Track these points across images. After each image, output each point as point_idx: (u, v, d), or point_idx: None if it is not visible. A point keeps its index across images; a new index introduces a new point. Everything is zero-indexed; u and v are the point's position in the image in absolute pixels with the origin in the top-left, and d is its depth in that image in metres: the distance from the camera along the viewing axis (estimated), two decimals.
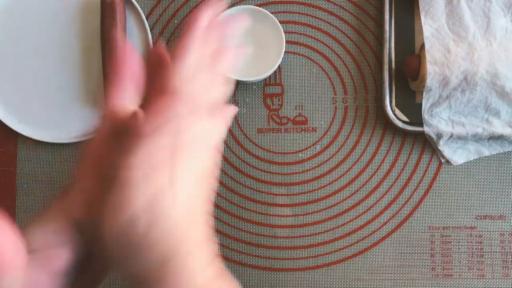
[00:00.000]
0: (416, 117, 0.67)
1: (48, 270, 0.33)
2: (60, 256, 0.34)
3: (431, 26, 0.66)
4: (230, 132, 0.69)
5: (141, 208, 0.30)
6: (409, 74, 0.66)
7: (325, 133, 0.69)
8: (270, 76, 0.69)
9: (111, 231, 0.31)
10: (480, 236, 0.68)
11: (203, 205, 0.34)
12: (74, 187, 0.35)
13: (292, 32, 0.70)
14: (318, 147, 0.69)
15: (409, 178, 0.68)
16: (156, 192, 0.31)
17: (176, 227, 0.31)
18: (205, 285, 0.33)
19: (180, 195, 0.31)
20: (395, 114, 0.67)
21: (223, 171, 0.69)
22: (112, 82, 0.36)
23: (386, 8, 0.68)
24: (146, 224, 0.30)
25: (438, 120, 0.67)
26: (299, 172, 0.68)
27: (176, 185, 0.31)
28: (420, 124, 0.67)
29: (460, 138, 0.67)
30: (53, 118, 0.68)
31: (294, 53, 0.69)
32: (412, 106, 0.68)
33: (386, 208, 0.68)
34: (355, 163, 0.69)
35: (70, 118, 0.68)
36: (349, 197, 0.68)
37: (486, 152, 0.68)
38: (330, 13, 0.70)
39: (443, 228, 0.68)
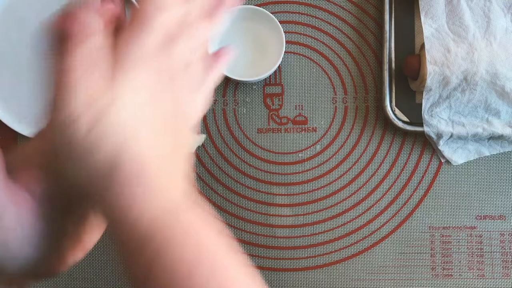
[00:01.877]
0: (416, 117, 0.67)
1: (29, 189, 0.32)
2: (39, 179, 0.33)
3: (431, 26, 0.66)
4: (230, 132, 0.69)
5: (79, 107, 0.29)
6: (409, 74, 0.66)
7: (325, 133, 0.69)
8: (270, 76, 0.69)
9: (53, 137, 0.30)
10: (480, 236, 0.68)
11: (175, 147, 0.32)
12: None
13: (292, 32, 0.70)
14: (318, 147, 0.69)
15: (409, 178, 0.68)
16: (95, 92, 0.29)
17: (120, 125, 0.29)
18: (177, 208, 0.31)
19: (123, 99, 0.29)
20: (395, 114, 0.67)
21: (223, 171, 0.69)
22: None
23: (386, 8, 0.68)
24: (86, 122, 0.29)
25: (438, 120, 0.67)
26: (299, 172, 0.68)
27: (117, 88, 0.30)
28: (420, 124, 0.67)
29: (460, 138, 0.67)
30: None
31: (294, 53, 0.69)
32: (412, 106, 0.68)
33: (386, 208, 0.68)
34: (355, 163, 0.69)
35: None
36: (349, 197, 0.68)
37: (486, 152, 0.68)
38: (330, 13, 0.70)
39: (443, 228, 0.68)
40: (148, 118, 0.30)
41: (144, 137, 0.30)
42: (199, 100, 0.34)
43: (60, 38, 0.32)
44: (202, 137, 0.68)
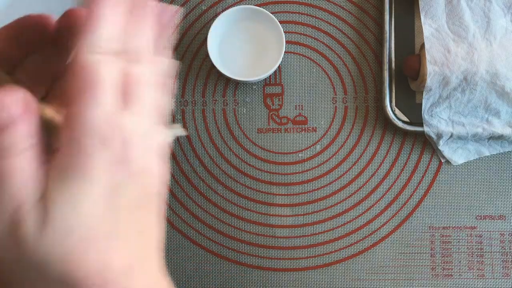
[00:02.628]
0: (416, 117, 0.67)
1: None
2: None
3: (431, 26, 0.66)
4: (230, 132, 0.69)
5: (22, 208, 0.23)
6: (409, 74, 0.66)
7: (325, 133, 0.69)
8: (270, 76, 0.69)
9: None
10: (480, 236, 0.68)
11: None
12: None
13: (292, 32, 0.70)
14: (318, 147, 0.69)
15: (409, 178, 0.68)
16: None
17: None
18: None
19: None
20: (395, 114, 0.67)
21: (223, 171, 0.69)
22: None
23: (386, 8, 0.68)
24: (32, 228, 0.23)
25: (438, 120, 0.67)
26: (299, 172, 0.68)
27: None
28: (420, 124, 0.67)
29: (460, 138, 0.67)
30: None
31: (294, 53, 0.69)
32: (412, 106, 0.68)
33: (386, 208, 0.68)
34: (355, 163, 0.69)
35: None
36: (349, 197, 0.68)
37: (486, 152, 0.68)
38: (330, 13, 0.70)
39: (443, 228, 0.68)
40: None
41: (104, 254, 0.24)
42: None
43: None
44: (177, 129, 0.62)
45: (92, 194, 0.23)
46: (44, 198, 0.23)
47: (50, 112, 0.26)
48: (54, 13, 0.70)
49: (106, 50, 0.24)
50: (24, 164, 0.23)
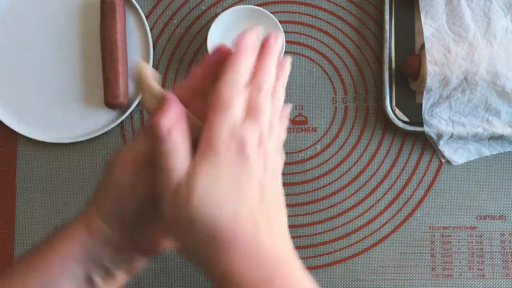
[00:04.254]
0: (416, 117, 0.67)
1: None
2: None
3: (431, 26, 0.66)
4: None
5: (174, 187, 0.36)
6: (409, 74, 0.66)
7: (325, 133, 0.69)
8: None
9: (161, 207, 0.36)
10: (481, 236, 0.68)
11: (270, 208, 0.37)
12: (107, 180, 0.41)
13: (292, 32, 0.69)
14: (318, 147, 0.69)
15: (409, 178, 0.68)
16: (185, 173, 0.36)
17: (209, 204, 0.35)
18: (275, 274, 0.35)
19: (204, 182, 0.35)
20: (395, 114, 0.67)
21: None
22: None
23: (386, 8, 0.68)
24: (184, 197, 0.35)
25: (439, 120, 0.67)
26: (299, 172, 0.68)
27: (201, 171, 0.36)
28: (421, 124, 0.67)
29: (460, 138, 0.67)
30: (53, 118, 0.68)
31: (294, 53, 0.69)
32: (412, 106, 0.68)
33: (386, 208, 0.68)
34: (355, 163, 0.69)
35: (70, 118, 0.68)
36: (349, 197, 0.68)
37: (487, 152, 0.68)
38: (330, 13, 0.70)
39: (444, 228, 0.68)
40: (229, 195, 0.36)
41: (232, 212, 0.35)
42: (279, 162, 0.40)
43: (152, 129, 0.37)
44: None
45: (220, 170, 0.35)
46: (192, 174, 0.35)
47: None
48: (54, 13, 0.70)
49: (239, 85, 0.37)
50: (179, 157, 0.36)
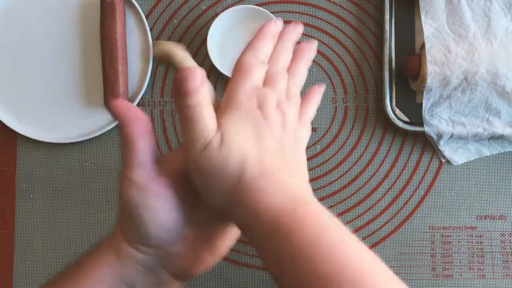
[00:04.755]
0: (416, 117, 0.67)
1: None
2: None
3: (432, 26, 0.66)
4: None
5: (207, 135, 0.38)
6: (410, 74, 0.66)
7: (325, 133, 0.69)
8: None
9: (192, 161, 0.38)
10: (481, 236, 0.68)
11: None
12: (122, 204, 0.41)
13: None
14: (318, 147, 0.69)
15: (410, 178, 0.68)
16: (214, 124, 0.39)
17: (235, 148, 0.38)
18: (297, 199, 0.38)
19: (230, 133, 0.39)
20: (395, 114, 0.67)
21: None
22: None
23: (386, 8, 0.68)
24: (216, 144, 0.38)
25: (439, 120, 0.66)
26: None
27: (227, 124, 0.39)
28: (421, 124, 0.67)
29: (460, 138, 0.67)
30: (53, 118, 0.68)
31: (294, 52, 0.69)
32: (412, 106, 0.68)
33: (386, 208, 0.68)
34: (355, 163, 0.69)
35: (70, 118, 0.68)
36: (349, 197, 0.68)
37: (487, 152, 0.68)
38: (330, 13, 0.70)
39: (444, 228, 0.68)
40: (252, 144, 0.39)
41: (255, 154, 0.38)
42: (301, 134, 0.44)
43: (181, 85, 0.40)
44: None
45: (243, 118, 0.39)
46: (220, 124, 0.39)
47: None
48: (54, 13, 0.70)
49: (261, 57, 0.43)
50: (208, 110, 0.39)
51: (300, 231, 0.35)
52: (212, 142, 0.38)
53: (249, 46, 0.44)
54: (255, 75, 0.42)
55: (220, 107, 0.41)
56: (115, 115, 0.40)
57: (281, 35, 0.46)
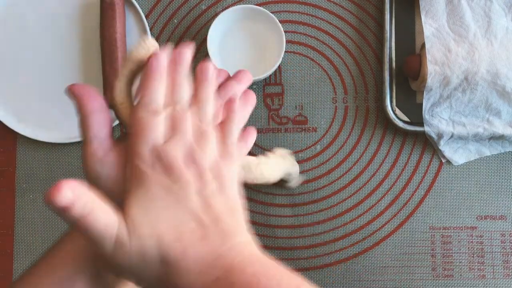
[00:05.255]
0: (416, 117, 0.67)
1: None
2: None
3: (432, 26, 0.66)
4: None
5: (113, 231, 0.35)
6: (410, 74, 0.66)
7: (325, 133, 0.69)
8: (270, 76, 0.69)
9: (109, 265, 0.36)
10: (481, 236, 0.68)
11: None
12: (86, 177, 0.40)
13: (292, 32, 0.69)
14: (318, 147, 0.69)
15: (410, 178, 0.68)
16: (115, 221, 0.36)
17: (148, 241, 0.35)
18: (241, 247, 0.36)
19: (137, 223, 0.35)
20: (395, 114, 0.67)
21: None
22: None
23: (386, 8, 0.68)
24: (125, 237, 0.35)
25: (439, 120, 0.66)
26: (299, 172, 0.68)
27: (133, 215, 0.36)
28: (421, 124, 0.67)
29: (460, 138, 0.67)
30: (52, 118, 0.68)
31: (294, 53, 0.69)
32: (412, 106, 0.68)
33: (386, 208, 0.68)
34: (355, 163, 0.68)
35: (70, 118, 0.68)
36: (349, 197, 0.68)
37: (487, 152, 0.68)
38: (331, 12, 0.70)
39: (444, 228, 0.68)
40: (167, 228, 0.35)
41: (174, 224, 0.35)
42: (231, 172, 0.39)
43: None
44: (299, 178, 0.66)
45: (152, 193, 0.36)
46: (124, 213, 0.35)
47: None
48: (54, 13, 0.70)
49: (153, 108, 0.38)
50: (98, 210, 0.34)
51: None
52: (119, 237, 0.34)
53: (140, 96, 0.39)
54: (153, 133, 0.37)
55: (126, 180, 0.37)
56: (69, 93, 0.40)
57: (170, 68, 0.40)
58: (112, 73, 0.65)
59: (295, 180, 0.65)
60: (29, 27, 0.69)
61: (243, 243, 0.37)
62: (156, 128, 0.37)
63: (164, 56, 0.40)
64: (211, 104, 0.40)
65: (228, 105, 0.41)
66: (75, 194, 0.33)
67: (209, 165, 0.37)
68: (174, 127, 0.38)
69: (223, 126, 0.40)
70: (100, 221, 0.34)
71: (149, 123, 0.37)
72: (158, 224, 0.35)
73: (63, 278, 0.40)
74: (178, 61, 0.40)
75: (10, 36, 0.69)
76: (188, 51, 0.41)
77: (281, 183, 0.64)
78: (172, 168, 0.36)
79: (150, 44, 0.40)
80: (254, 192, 0.68)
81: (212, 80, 0.41)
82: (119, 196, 0.37)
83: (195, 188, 0.36)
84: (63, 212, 0.32)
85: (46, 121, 0.68)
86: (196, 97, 0.40)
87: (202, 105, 0.40)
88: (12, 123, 0.68)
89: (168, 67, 0.40)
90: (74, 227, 0.34)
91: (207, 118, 0.39)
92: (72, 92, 0.40)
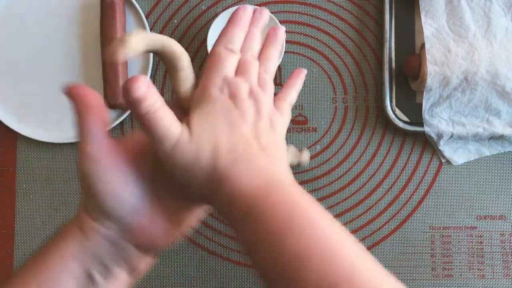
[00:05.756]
0: (416, 117, 0.67)
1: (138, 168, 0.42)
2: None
3: (431, 26, 0.66)
4: None
5: (175, 134, 0.39)
6: (410, 74, 0.66)
7: (325, 133, 0.69)
8: None
9: (164, 161, 0.39)
10: (481, 236, 0.68)
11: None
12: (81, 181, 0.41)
13: (292, 32, 0.69)
14: (318, 147, 0.69)
15: (410, 178, 0.68)
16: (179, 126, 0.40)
17: (203, 142, 0.39)
18: (271, 184, 0.38)
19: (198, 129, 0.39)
20: (395, 114, 0.67)
21: None
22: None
23: (386, 8, 0.68)
24: (185, 140, 0.38)
25: (439, 120, 0.66)
26: (299, 172, 0.68)
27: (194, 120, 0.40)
28: (421, 124, 0.67)
29: (460, 138, 0.67)
30: (53, 118, 0.68)
31: (294, 53, 0.69)
32: (412, 106, 0.68)
33: (386, 208, 0.68)
34: (355, 163, 0.69)
35: (70, 118, 0.68)
36: (349, 197, 0.68)
37: (487, 152, 0.68)
38: (330, 12, 0.70)
39: (444, 228, 0.68)
40: (220, 136, 0.39)
41: (228, 141, 0.39)
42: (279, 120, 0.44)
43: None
44: (306, 154, 0.68)
45: (215, 109, 0.40)
46: (190, 117, 0.40)
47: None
48: (54, 13, 0.70)
49: (231, 47, 0.44)
50: (164, 112, 0.38)
51: (273, 212, 0.36)
52: (180, 139, 0.38)
53: (220, 36, 0.44)
54: (227, 66, 0.42)
55: (193, 98, 0.41)
56: (66, 92, 0.41)
57: (250, 22, 0.47)
58: (112, 73, 0.65)
59: (304, 162, 0.67)
60: (29, 27, 0.69)
61: (285, 172, 0.40)
62: (230, 63, 0.43)
63: (250, 10, 0.47)
64: (274, 62, 0.46)
65: (297, 72, 0.50)
66: (149, 89, 0.37)
67: (265, 108, 0.42)
68: (243, 69, 0.43)
69: (285, 85, 0.48)
70: (166, 119, 0.37)
71: (225, 57, 0.43)
72: (216, 135, 0.39)
73: (48, 279, 0.39)
74: (258, 17, 0.47)
75: (10, 36, 0.69)
76: (267, 12, 0.48)
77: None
78: (237, 95, 0.41)
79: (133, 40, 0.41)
80: None
81: (279, 42, 0.47)
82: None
83: (252, 118, 0.40)
84: (135, 104, 0.36)
85: (46, 121, 0.68)
86: (264, 51, 0.46)
87: (268, 59, 0.46)
88: (12, 123, 0.68)
89: (249, 20, 0.46)
90: (141, 123, 0.38)
91: (270, 71, 0.45)
92: (69, 91, 0.41)
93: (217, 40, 0.44)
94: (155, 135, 0.38)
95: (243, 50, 0.44)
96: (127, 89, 0.36)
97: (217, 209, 0.40)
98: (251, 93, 0.42)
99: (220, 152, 0.38)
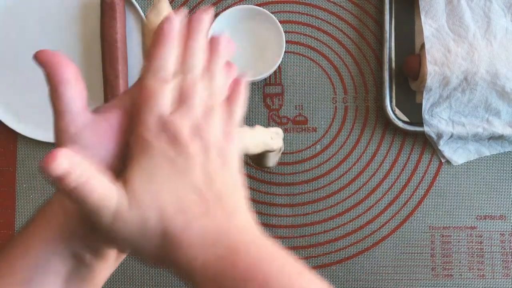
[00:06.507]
0: (416, 117, 0.67)
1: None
2: None
3: (431, 26, 0.66)
4: None
5: (112, 201, 0.33)
6: (409, 74, 0.66)
7: (325, 133, 0.69)
8: (270, 76, 0.69)
9: (107, 235, 0.34)
10: (480, 236, 0.68)
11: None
12: None
13: (292, 32, 0.69)
14: (318, 147, 0.69)
15: (409, 178, 0.68)
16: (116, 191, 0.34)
17: (147, 210, 0.33)
18: (230, 251, 0.34)
19: (137, 191, 0.34)
20: (395, 114, 0.67)
21: None
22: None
23: (386, 8, 0.68)
24: (125, 207, 0.33)
25: (438, 120, 0.66)
26: (299, 172, 0.68)
27: (133, 181, 0.34)
28: (421, 124, 0.67)
29: (460, 138, 0.67)
30: (52, 118, 0.68)
31: (294, 53, 0.69)
32: (412, 106, 0.68)
33: (386, 208, 0.68)
34: (355, 163, 0.69)
35: None
36: (349, 197, 0.68)
37: (487, 152, 0.68)
38: (330, 12, 0.70)
39: (443, 228, 0.68)
40: (169, 198, 0.34)
41: (175, 202, 0.33)
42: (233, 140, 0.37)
43: None
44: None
45: (155, 162, 0.34)
46: (124, 180, 0.33)
47: None
48: (54, 13, 0.70)
49: (162, 76, 0.35)
50: (95, 180, 0.32)
51: (243, 283, 0.33)
52: (119, 206, 0.33)
53: (147, 63, 0.36)
54: (160, 102, 0.35)
55: (130, 147, 0.35)
56: (37, 60, 0.35)
57: (187, 34, 0.38)
58: (112, 73, 0.65)
59: (273, 158, 0.60)
60: (29, 27, 0.69)
61: (247, 224, 0.36)
62: (163, 97, 0.35)
63: (177, 20, 0.37)
64: (222, 79, 0.38)
65: (236, 85, 0.39)
66: (71, 163, 0.31)
67: (214, 141, 0.35)
68: (182, 98, 0.35)
69: (229, 104, 0.38)
70: (97, 190, 0.32)
71: (156, 91, 0.35)
72: (161, 195, 0.33)
73: (39, 258, 0.37)
74: (195, 26, 0.38)
75: (10, 36, 0.69)
76: (206, 17, 0.39)
77: (259, 161, 0.59)
78: (177, 139, 0.34)
79: (162, 7, 0.36)
80: (254, 192, 0.68)
81: (225, 54, 0.39)
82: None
83: (200, 163, 0.34)
84: (58, 182, 0.31)
85: (46, 121, 0.68)
86: (208, 69, 0.38)
87: (213, 79, 0.37)
88: (12, 123, 0.68)
89: (182, 32, 0.37)
90: (70, 198, 0.32)
91: (216, 93, 0.37)
92: (40, 59, 0.35)
93: (145, 68, 0.36)
94: (89, 210, 0.32)
95: (181, 72, 0.36)
96: (45, 169, 0.30)
97: (177, 276, 0.36)
98: (194, 129, 0.35)
99: (168, 214, 0.33)
